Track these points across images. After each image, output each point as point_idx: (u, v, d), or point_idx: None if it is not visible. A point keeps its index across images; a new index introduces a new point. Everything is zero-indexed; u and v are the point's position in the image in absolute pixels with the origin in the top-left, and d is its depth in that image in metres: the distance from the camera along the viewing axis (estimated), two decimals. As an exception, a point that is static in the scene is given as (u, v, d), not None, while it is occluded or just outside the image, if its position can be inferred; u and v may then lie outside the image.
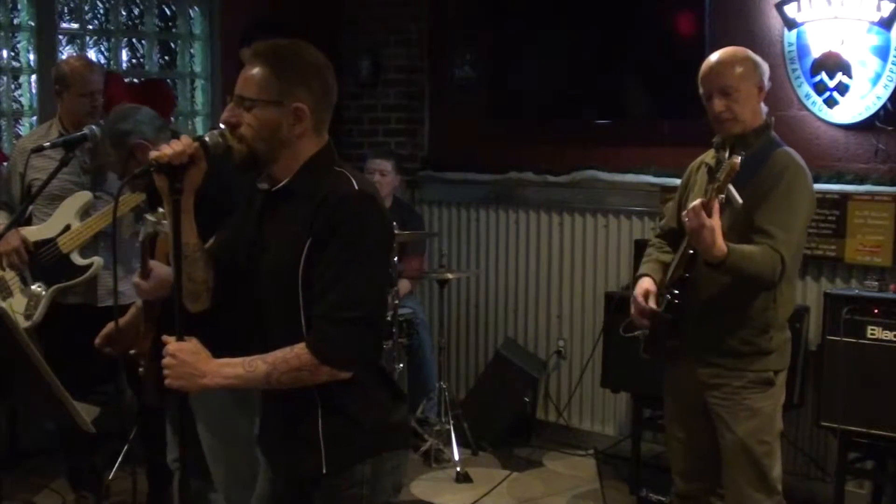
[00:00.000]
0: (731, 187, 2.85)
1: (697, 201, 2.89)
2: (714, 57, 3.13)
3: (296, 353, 2.16)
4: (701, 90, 3.13)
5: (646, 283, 3.20)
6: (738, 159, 2.82)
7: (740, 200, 2.88)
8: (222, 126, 2.25)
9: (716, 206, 2.85)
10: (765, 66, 3.13)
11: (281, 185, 2.25)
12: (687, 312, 3.08)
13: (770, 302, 3.07)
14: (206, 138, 2.21)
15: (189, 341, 2.21)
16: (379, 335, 2.29)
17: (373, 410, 2.28)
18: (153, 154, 2.20)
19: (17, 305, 4.00)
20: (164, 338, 2.22)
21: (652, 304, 3.14)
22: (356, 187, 2.20)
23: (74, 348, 4.00)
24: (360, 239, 2.17)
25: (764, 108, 3.14)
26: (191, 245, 2.28)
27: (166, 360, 2.18)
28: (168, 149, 2.19)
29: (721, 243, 2.85)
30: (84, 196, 4.03)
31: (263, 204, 2.30)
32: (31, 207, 4.09)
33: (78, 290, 4.05)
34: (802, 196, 3.05)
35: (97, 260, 4.03)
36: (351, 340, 2.17)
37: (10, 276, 4.03)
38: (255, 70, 2.21)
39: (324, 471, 2.25)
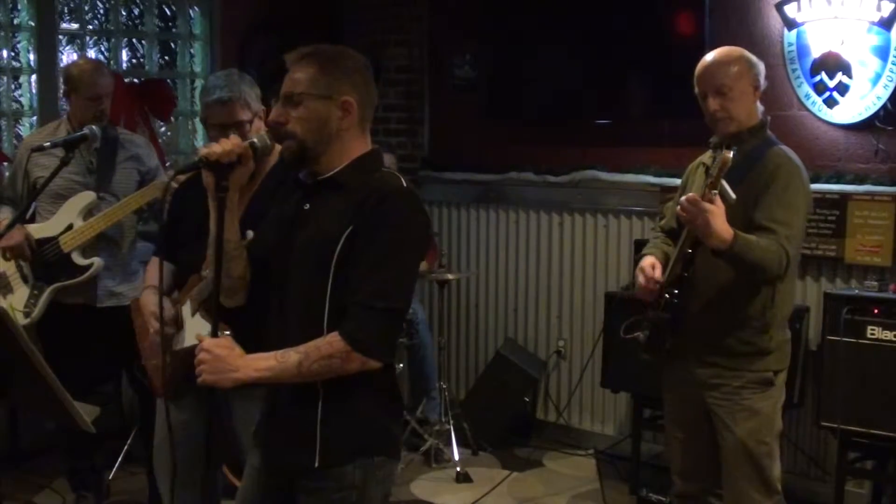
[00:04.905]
0: (724, 183, 2.86)
1: (691, 194, 2.90)
2: (709, 57, 3.15)
3: (328, 340, 2.19)
4: (696, 90, 3.14)
5: (650, 258, 3.19)
6: (731, 154, 2.83)
7: (733, 196, 2.88)
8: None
9: (713, 199, 2.85)
10: (760, 66, 3.14)
11: (329, 174, 2.30)
12: (685, 312, 3.08)
13: (769, 301, 3.07)
14: (255, 140, 2.28)
15: (223, 338, 2.24)
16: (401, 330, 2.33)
17: (374, 412, 2.29)
18: (203, 151, 2.25)
19: (16, 303, 4.01)
20: (198, 335, 2.25)
21: (658, 273, 3.12)
22: (404, 185, 2.30)
23: (73, 348, 4.00)
24: (403, 233, 2.24)
25: (760, 107, 3.15)
26: (232, 242, 2.32)
27: (201, 356, 2.21)
28: (218, 147, 2.24)
29: (726, 226, 2.85)
30: (88, 196, 4.04)
31: (305, 193, 2.34)
32: (35, 205, 4.10)
33: (77, 289, 4.05)
34: (799, 193, 3.05)
35: (97, 260, 4.03)
36: (384, 330, 2.22)
37: (10, 272, 4.04)
38: (303, 69, 2.28)
39: (315, 465, 2.26)
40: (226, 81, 2.98)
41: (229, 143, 2.24)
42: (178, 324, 3.01)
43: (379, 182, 2.27)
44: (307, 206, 2.32)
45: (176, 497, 3.01)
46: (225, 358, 2.20)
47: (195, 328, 2.92)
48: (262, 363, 2.21)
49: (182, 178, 2.83)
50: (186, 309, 2.99)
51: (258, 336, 2.32)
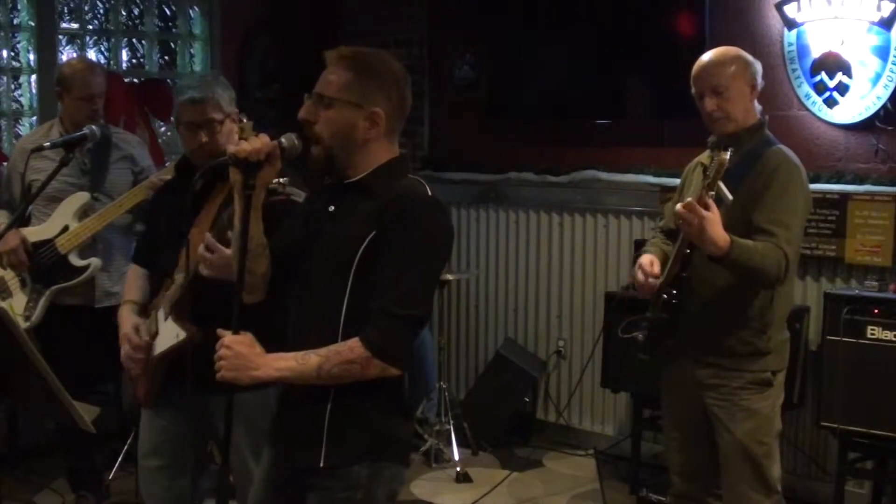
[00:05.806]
0: (721, 184, 2.85)
1: (688, 198, 2.89)
2: (706, 57, 3.15)
3: (349, 346, 2.19)
4: (693, 90, 3.14)
5: (648, 256, 3.18)
6: (727, 155, 2.82)
7: (730, 197, 2.87)
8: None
9: (709, 202, 2.84)
10: (757, 66, 3.13)
11: (354, 179, 2.30)
12: (684, 312, 3.07)
13: (767, 301, 3.06)
14: (283, 140, 2.27)
15: (244, 335, 2.23)
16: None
17: (382, 417, 2.30)
18: (231, 149, 2.25)
19: (16, 307, 4.00)
20: (220, 331, 2.24)
21: (656, 269, 3.10)
22: (429, 193, 2.29)
23: (71, 349, 4.00)
24: (428, 240, 2.24)
25: (758, 106, 3.15)
26: (255, 239, 2.32)
27: (221, 352, 2.20)
28: (247, 145, 2.24)
29: (723, 233, 2.83)
30: (82, 197, 4.03)
31: (329, 196, 2.35)
32: (30, 208, 4.09)
33: (75, 291, 4.05)
34: (798, 193, 3.05)
35: (95, 261, 4.03)
36: (406, 337, 2.22)
37: (9, 276, 4.04)
38: (338, 72, 2.27)
39: (320, 464, 2.26)
40: (199, 82, 3.00)
41: (258, 142, 2.23)
42: (153, 334, 2.99)
43: (403, 189, 2.26)
44: (332, 209, 2.33)
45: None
46: (246, 355, 2.19)
47: (168, 332, 2.90)
48: (283, 363, 2.21)
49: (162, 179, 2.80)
50: (160, 314, 2.96)
51: (272, 335, 2.31)
